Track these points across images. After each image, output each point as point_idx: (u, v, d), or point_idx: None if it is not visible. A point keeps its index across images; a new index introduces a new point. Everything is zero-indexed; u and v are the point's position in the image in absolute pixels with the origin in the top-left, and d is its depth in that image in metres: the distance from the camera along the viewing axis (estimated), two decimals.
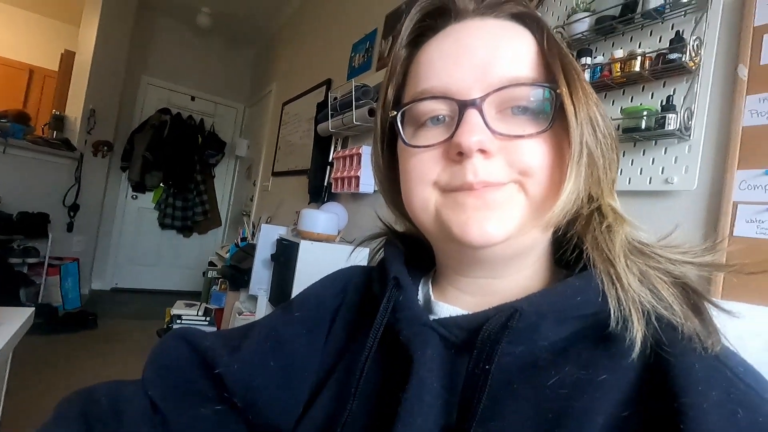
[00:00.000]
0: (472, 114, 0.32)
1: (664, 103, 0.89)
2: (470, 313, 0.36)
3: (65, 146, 3.20)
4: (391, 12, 2.11)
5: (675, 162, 0.88)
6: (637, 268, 0.31)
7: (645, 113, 0.89)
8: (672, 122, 0.86)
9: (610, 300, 0.30)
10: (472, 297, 0.39)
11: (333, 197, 2.28)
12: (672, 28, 0.92)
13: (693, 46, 0.86)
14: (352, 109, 1.89)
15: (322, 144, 2.40)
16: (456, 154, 0.33)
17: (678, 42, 0.87)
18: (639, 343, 0.29)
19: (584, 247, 0.34)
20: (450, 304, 0.39)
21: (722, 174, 0.82)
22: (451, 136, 0.33)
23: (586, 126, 0.33)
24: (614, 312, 0.30)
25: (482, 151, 0.32)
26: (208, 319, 2.47)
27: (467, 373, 0.32)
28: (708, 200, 0.84)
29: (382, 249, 0.46)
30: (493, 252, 0.34)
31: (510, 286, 0.37)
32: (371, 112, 1.83)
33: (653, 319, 0.30)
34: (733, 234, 0.78)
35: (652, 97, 0.94)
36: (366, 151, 1.92)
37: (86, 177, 3.46)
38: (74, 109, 3.45)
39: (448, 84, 0.34)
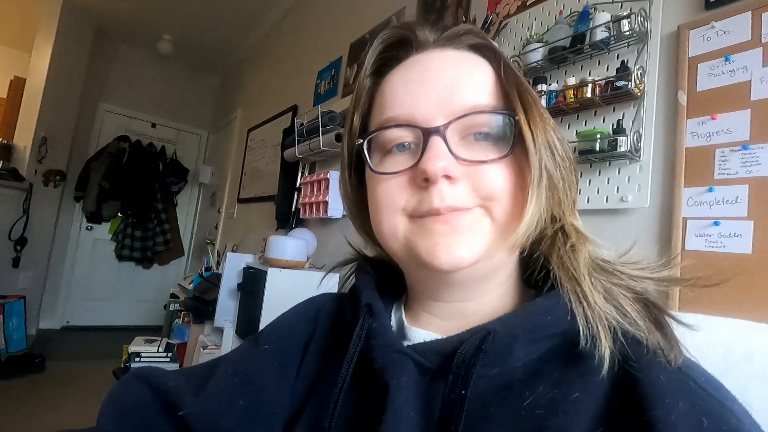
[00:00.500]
0: (436, 141, 0.33)
1: (615, 126, 0.95)
2: (444, 337, 0.36)
3: (12, 176, 3.01)
4: (356, 41, 2.16)
5: (628, 181, 0.94)
6: (602, 285, 0.33)
7: (598, 136, 0.94)
8: (623, 144, 0.91)
9: (578, 318, 0.31)
10: (444, 321, 0.39)
11: (301, 223, 2.25)
12: (617, 58, 0.99)
13: (637, 74, 0.92)
14: (319, 135, 1.90)
15: (289, 170, 2.39)
16: (422, 180, 0.34)
17: (624, 71, 0.94)
18: (608, 359, 0.30)
19: (550, 267, 0.35)
20: (423, 329, 0.39)
21: (671, 192, 0.87)
22: (417, 163, 0.34)
23: (544, 150, 0.34)
24: (583, 330, 0.31)
25: (447, 177, 0.33)
26: (169, 355, 2.34)
27: (443, 400, 0.32)
28: (660, 217, 0.89)
29: (353, 275, 0.46)
30: (462, 275, 0.35)
31: (481, 309, 0.38)
32: (338, 138, 1.84)
33: (619, 335, 0.31)
34: (685, 248, 0.83)
35: (603, 121, 0.99)
36: (334, 176, 1.92)
37: (36, 208, 3.26)
38: (24, 137, 3.27)
39: (413, 112, 0.35)
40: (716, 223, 0.79)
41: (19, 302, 3.04)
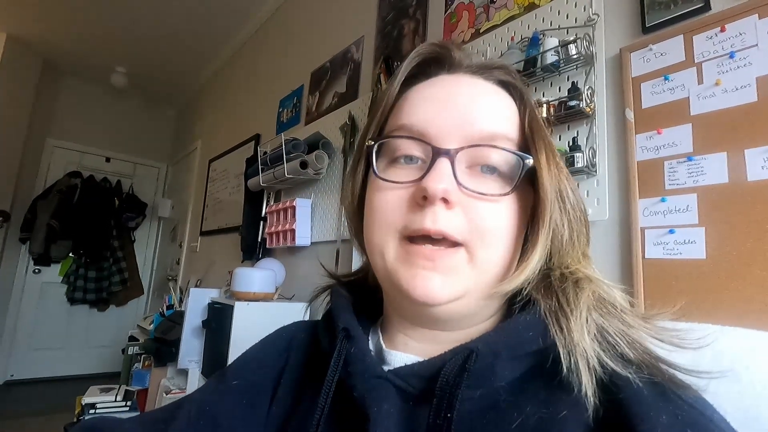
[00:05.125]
0: (443, 162, 0.33)
1: (571, 143, 0.99)
2: (426, 359, 0.34)
3: None
4: (316, 69, 2.19)
5: (587, 195, 0.97)
6: (596, 325, 0.32)
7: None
8: (580, 160, 0.95)
9: (559, 348, 0.31)
10: (423, 344, 0.38)
11: (268, 253, 2.19)
12: (568, 79, 1.05)
13: (587, 94, 0.98)
14: (283, 163, 1.88)
15: (253, 199, 2.34)
16: (421, 198, 0.33)
17: (575, 91, 0.99)
18: (591, 391, 0.29)
19: (531, 295, 0.34)
20: (402, 352, 0.38)
21: (628, 203, 0.91)
22: (420, 179, 0.34)
23: (555, 199, 0.34)
24: (564, 360, 0.30)
25: (445, 201, 0.33)
26: (128, 403, 2.16)
27: (428, 425, 0.30)
28: (619, 228, 0.92)
29: (327, 299, 0.44)
30: (441, 311, 0.34)
31: (459, 336, 0.36)
32: (303, 165, 1.83)
33: (602, 363, 0.30)
34: (645, 256, 0.86)
35: (560, 139, 1.04)
36: (300, 203, 1.90)
37: None
38: None
39: (427, 126, 0.35)
40: (671, 231, 0.83)
41: None
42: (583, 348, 0.30)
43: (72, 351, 3.83)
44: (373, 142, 0.37)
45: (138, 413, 2.17)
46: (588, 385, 0.29)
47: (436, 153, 0.34)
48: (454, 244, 0.33)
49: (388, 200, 0.35)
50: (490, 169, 0.35)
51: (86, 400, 2.10)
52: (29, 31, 3.22)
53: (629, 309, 0.34)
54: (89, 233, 3.76)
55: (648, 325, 0.32)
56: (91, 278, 3.85)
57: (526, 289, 0.35)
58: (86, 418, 2.01)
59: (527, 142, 0.36)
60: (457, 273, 0.33)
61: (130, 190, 4.21)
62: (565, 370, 0.30)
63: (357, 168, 0.42)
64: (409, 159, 0.36)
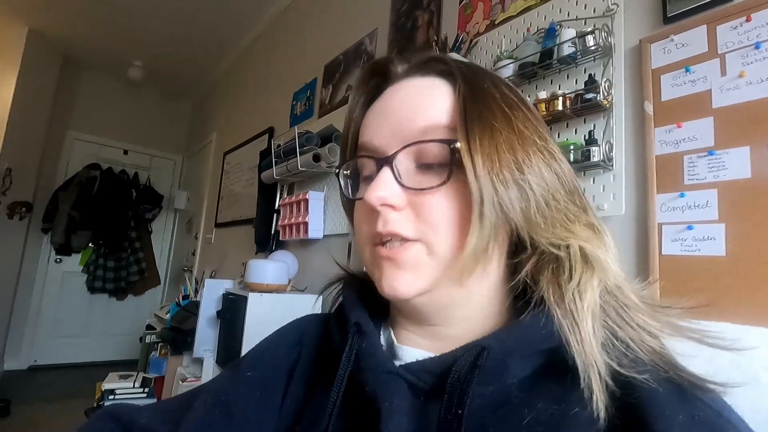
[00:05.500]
0: (385, 171, 0.35)
1: (587, 137, 0.97)
2: (437, 355, 0.35)
3: None
4: (330, 62, 2.18)
5: (603, 190, 0.96)
6: (604, 330, 0.31)
7: (572, 147, 0.96)
8: (596, 154, 0.93)
9: (571, 351, 0.30)
10: (428, 341, 0.38)
11: (281, 245, 2.21)
12: (585, 72, 1.03)
13: (604, 86, 0.96)
14: (296, 156, 1.89)
15: (266, 192, 2.36)
16: (369, 209, 0.35)
17: (592, 83, 0.97)
18: (603, 401, 0.28)
19: (542, 293, 0.33)
20: (413, 348, 0.38)
21: (645, 199, 0.89)
22: None
23: (491, 177, 0.32)
24: (575, 363, 0.29)
25: (390, 206, 0.34)
26: (146, 390, 2.22)
27: (439, 421, 0.31)
28: (636, 223, 0.91)
29: (340, 294, 0.45)
30: (419, 304, 0.36)
31: (465, 331, 0.36)
32: (316, 158, 1.83)
33: (612, 370, 0.29)
34: (662, 253, 0.85)
35: (575, 133, 1.02)
36: (313, 196, 1.91)
37: (0, 242, 3.11)
38: None
39: (372, 141, 0.37)
40: (690, 228, 0.82)
41: None
42: (592, 358, 0.29)
43: (92, 338, 3.94)
44: (337, 170, 0.41)
45: (155, 401, 2.23)
46: (598, 390, 0.28)
47: (379, 163, 0.36)
48: (409, 240, 0.34)
49: (360, 214, 0.38)
50: (427, 165, 0.35)
51: (106, 386, 2.17)
52: (49, 25, 3.28)
53: (641, 301, 0.33)
54: (108, 224, 3.85)
55: (662, 322, 0.32)
56: (110, 268, 3.94)
57: (526, 272, 0.34)
58: (106, 404, 2.08)
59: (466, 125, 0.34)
60: (420, 266, 0.34)
61: (147, 182, 4.29)
62: (575, 368, 0.29)
63: (341, 192, 0.44)
64: (371, 173, 0.38)
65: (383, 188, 0.34)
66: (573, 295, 0.31)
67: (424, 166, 0.35)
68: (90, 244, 3.86)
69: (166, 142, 4.49)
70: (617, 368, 0.29)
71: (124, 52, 3.63)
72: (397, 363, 0.36)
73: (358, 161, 0.39)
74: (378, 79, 0.41)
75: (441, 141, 0.34)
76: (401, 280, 0.34)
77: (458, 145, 0.33)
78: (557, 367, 0.32)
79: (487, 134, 0.33)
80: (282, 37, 2.84)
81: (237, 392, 0.40)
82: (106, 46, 3.57)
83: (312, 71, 2.33)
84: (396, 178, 0.35)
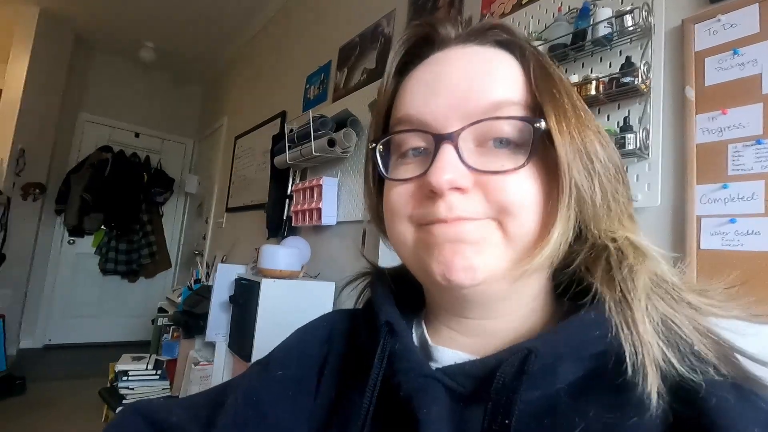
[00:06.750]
0: (446, 149, 0.31)
1: (621, 124, 0.92)
2: (477, 358, 0.32)
3: None
4: (345, 44, 2.13)
5: (637, 180, 0.91)
6: (659, 314, 0.28)
7: None
8: (631, 142, 0.88)
9: (624, 345, 0.27)
10: (469, 338, 0.35)
11: (293, 231, 2.19)
12: (620, 54, 0.97)
13: (643, 69, 0.90)
14: (310, 140, 1.85)
15: (279, 177, 2.33)
16: (430, 192, 0.31)
17: (629, 66, 0.92)
18: (656, 396, 0.26)
19: (591, 281, 0.31)
20: (449, 348, 0.35)
21: (683, 190, 0.84)
22: (425, 172, 0.31)
23: (578, 161, 0.30)
24: (630, 357, 0.27)
25: (457, 189, 0.30)
26: (158, 372, 2.25)
27: (483, 431, 0.28)
28: (672, 215, 0.86)
29: (368, 289, 0.42)
30: (477, 293, 0.31)
31: (509, 327, 0.34)
32: (331, 143, 1.80)
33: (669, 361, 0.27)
34: (701, 247, 0.80)
35: (608, 119, 0.97)
36: (326, 182, 1.88)
37: (14, 223, 3.14)
38: (0, 150, 3.16)
39: (424, 114, 0.32)
40: (732, 221, 0.77)
41: None
42: (648, 342, 0.27)
43: (105, 319, 3.99)
44: (374, 144, 0.36)
45: (168, 383, 2.24)
46: (653, 385, 0.26)
47: (438, 140, 0.31)
48: (480, 220, 0.31)
49: (401, 196, 0.33)
50: (502, 142, 0.31)
51: (119, 366, 2.19)
52: (61, 5, 3.25)
53: (689, 288, 0.31)
54: (120, 207, 3.86)
55: (711, 301, 0.30)
56: (122, 250, 3.97)
57: (572, 264, 0.32)
58: (120, 384, 2.10)
59: (538, 101, 0.31)
60: (492, 250, 0.30)
61: (158, 166, 4.29)
62: (630, 371, 0.27)
63: (368, 172, 0.39)
64: (417, 150, 0.34)
65: (450, 170, 0.30)
66: (626, 282, 0.29)
67: (491, 145, 0.32)
68: (102, 227, 3.89)
69: (178, 126, 4.47)
70: (673, 360, 0.27)
71: (135, 32, 3.60)
72: (433, 365, 0.33)
73: (396, 137, 0.35)
74: (420, 42, 0.36)
75: (522, 119, 0.31)
76: (467, 264, 0.30)
77: (543, 124, 0.30)
78: (608, 371, 0.29)
79: (570, 113, 0.31)
80: (296, 18, 2.78)
81: (268, 392, 0.38)
82: (118, 26, 3.53)
83: (327, 54, 2.28)
84: (461, 158, 0.31)
